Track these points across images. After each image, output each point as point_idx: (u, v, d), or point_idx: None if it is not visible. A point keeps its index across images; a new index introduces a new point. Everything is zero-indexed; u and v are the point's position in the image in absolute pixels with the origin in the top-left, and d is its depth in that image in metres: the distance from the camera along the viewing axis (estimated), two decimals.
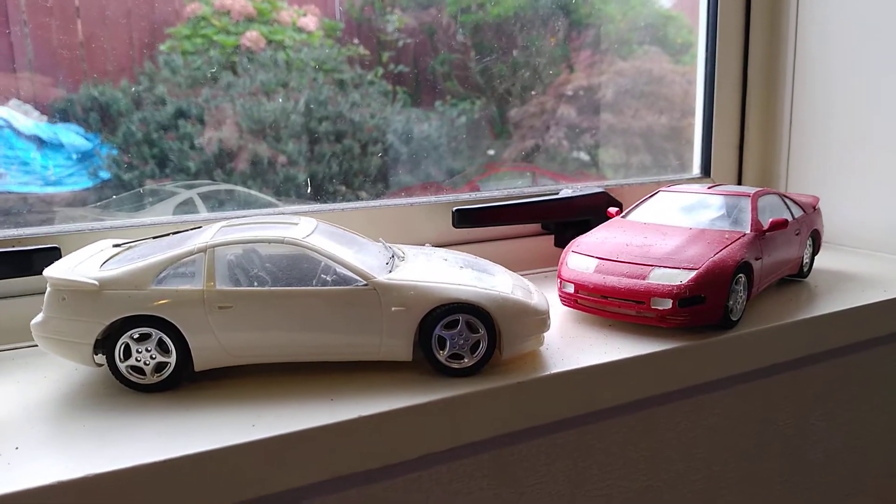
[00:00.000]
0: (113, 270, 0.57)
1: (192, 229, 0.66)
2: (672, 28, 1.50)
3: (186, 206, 0.91)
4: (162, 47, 0.94)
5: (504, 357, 0.59)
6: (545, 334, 0.62)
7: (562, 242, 0.99)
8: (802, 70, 1.12)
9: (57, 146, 0.89)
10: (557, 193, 0.99)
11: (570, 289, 0.72)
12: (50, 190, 0.89)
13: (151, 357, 0.56)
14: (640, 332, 0.69)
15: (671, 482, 0.74)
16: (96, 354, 0.57)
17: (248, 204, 0.99)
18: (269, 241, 0.58)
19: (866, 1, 1.01)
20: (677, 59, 1.44)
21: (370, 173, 1.08)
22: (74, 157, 0.90)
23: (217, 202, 0.96)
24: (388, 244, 0.68)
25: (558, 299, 0.75)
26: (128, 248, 0.64)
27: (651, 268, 0.69)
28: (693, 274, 0.67)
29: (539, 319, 0.60)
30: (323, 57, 1.06)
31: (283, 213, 0.84)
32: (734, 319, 0.71)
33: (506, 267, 0.70)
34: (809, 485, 0.86)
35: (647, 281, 0.68)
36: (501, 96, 1.21)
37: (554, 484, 0.66)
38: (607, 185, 1.07)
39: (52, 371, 0.61)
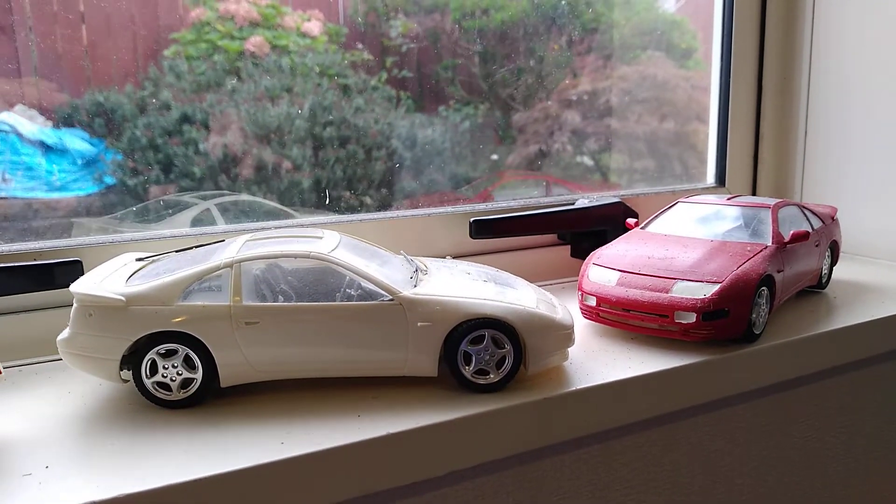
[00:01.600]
0: (139, 286, 0.57)
1: (214, 243, 0.66)
2: (676, 33, 1.50)
3: (204, 218, 0.91)
4: (166, 52, 0.94)
5: (529, 373, 0.59)
6: (570, 349, 0.62)
7: (578, 253, 0.99)
8: (817, 78, 1.12)
9: (62, 151, 0.89)
10: (573, 203, 0.99)
11: (593, 302, 0.72)
12: (55, 195, 0.89)
13: (178, 373, 0.56)
14: (662, 345, 0.69)
15: (694, 496, 0.73)
16: (123, 370, 0.57)
17: (265, 215, 0.99)
18: (296, 256, 0.58)
19: (883, 8, 1.01)
20: (682, 64, 1.44)
21: (374, 178, 1.08)
22: (79, 162, 0.90)
23: (234, 212, 0.96)
24: (409, 257, 0.68)
25: (579, 312, 0.75)
26: (152, 262, 0.64)
27: (674, 281, 0.69)
28: (717, 287, 0.67)
29: (564, 334, 0.60)
30: (327, 62, 1.06)
31: (304, 226, 0.84)
32: (757, 333, 0.70)
33: (523, 278, 0.70)
34: (830, 498, 0.85)
35: (670, 294, 0.68)
36: (505, 102, 1.22)
37: (577, 499, 0.66)
38: (623, 195, 1.07)
39: (77, 386, 0.61)
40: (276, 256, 0.59)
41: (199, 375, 0.56)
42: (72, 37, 0.86)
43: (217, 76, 0.98)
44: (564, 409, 0.59)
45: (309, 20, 1.07)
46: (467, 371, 0.58)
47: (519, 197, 1.18)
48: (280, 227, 0.83)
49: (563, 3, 1.20)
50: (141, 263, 0.64)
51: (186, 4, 0.99)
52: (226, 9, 1.01)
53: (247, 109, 0.98)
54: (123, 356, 0.56)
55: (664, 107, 1.38)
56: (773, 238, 0.75)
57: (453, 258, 0.74)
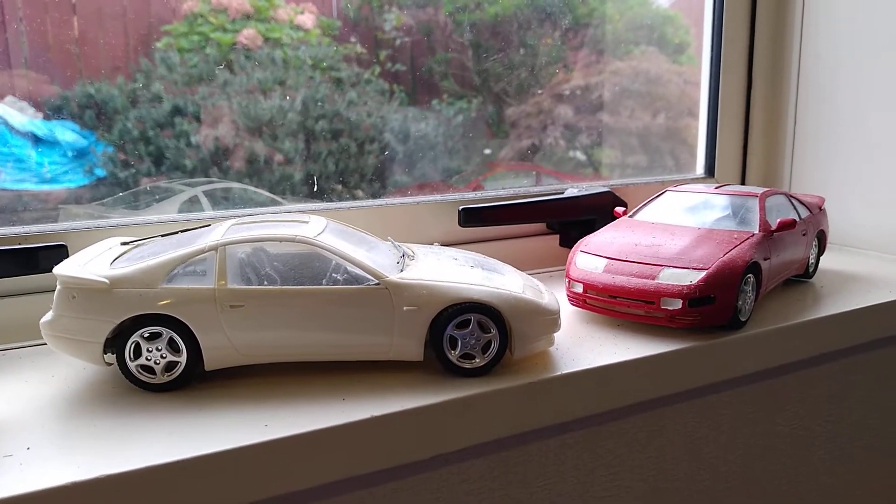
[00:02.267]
0: (123, 269, 0.56)
1: (200, 227, 0.66)
2: (670, 28, 1.50)
3: (192, 204, 0.91)
4: (158, 44, 0.94)
5: (515, 357, 0.59)
6: (556, 334, 0.62)
7: (567, 242, 0.99)
8: (807, 70, 1.12)
9: (52, 143, 0.88)
10: (563, 193, 0.99)
11: (579, 288, 0.72)
12: (45, 187, 0.89)
13: (162, 356, 0.56)
14: (648, 332, 0.69)
15: (679, 483, 0.74)
16: (106, 353, 0.56)
17: (253, 202, 0.98)
18: (281, 240, 0.58)
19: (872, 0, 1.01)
20: (674, 59, 1.44)
21: (367, 172, 1.08)
22: (70, 154, 0.89)
23: (222, 200, 0.95)
24: (397, 243, 0.68)
25: (566, 299, 0.75)
26: (136, 247, 0.63)
27: (661, 268, 0.69)
28: (703, 274, 0.67)
29: (550, 319, 0.60)
30: (320, 55, 1.06)
31: (291, 212, 0.84)
32: (743, 320, 0.71)
33: (512, 266, 0.70)
34: (815, 485, 0.86)
35: (656, 281, 0.68)
36: (498, 96, 1.22)
37: (563, 484, 0.66)
38: (612, 185, 1.07)
39: (61, 370, 0.61)
40: (261, 240, 0.58)
41: (183, 359, 0.56)
42: (63, 28, 0.86)
43: (209, 68, 0.98)
44: (550, 394, 0.59)
45: (302, 13, 1.06)
46: (453, 355, 0.58)
47: (509, 187, 1.18)
48: (267, 213, 0.83)
49: None
50: (126, 247, 0.63)
51: None
52: (218, 1, 1.01)
53: (239, 102, 0.98)
54: (107, 339, 0.55)
55: (657, 102, 1.38)
56: (760, 226, 0.76)
57: (441, 245, 0.74)
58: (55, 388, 0.57)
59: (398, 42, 1.13)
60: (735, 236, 0.73)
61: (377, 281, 0.57)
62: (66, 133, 0.89)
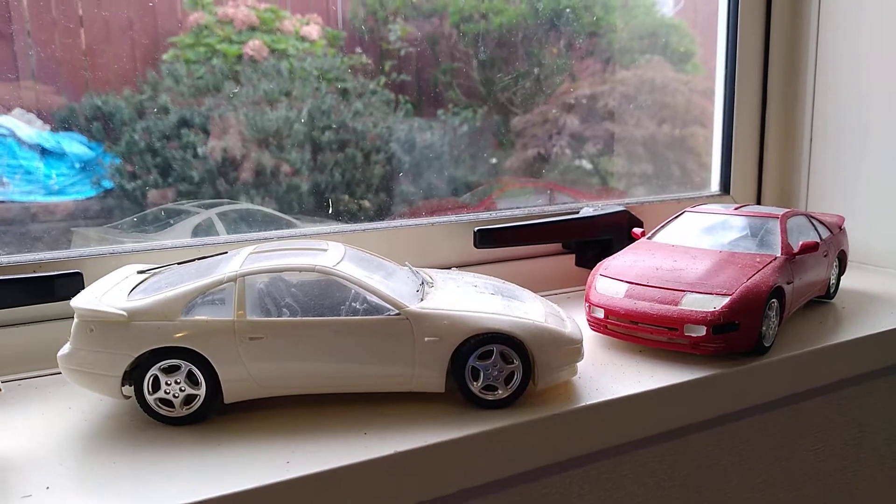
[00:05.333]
0: (141, 300, 0.56)
1: (217, 255, 0.65)
2: (675, 37, 1.49)
3: (205, 226, 0.90)
4: (165, 56, 0.94)
5: (539, 388, 0.58)
6: (578, 363, 0.61)
7: (583, 262, 0.98)
8: (823, 85, 1.11)
9: (60, 155, 0.89)
10: (578, 212, 0.98)
11: (600, 314, 0.71)
12: (53, 199, 0.89)
13: (181, 389, 0.55)
14: (671, 358, 0.68)
15: None
16: (124, 386, 0.55)
17: (267, 223, 0.98)
18: (301, 270, 0.57)
19: (891, 12, 1.00)
20: (680, 68, 1.43)
21: (373, 182, 1.08)
22: (77, 166, 0.89)
23: (235, 223, 0.95)
24: (414, 269, 0.67)
25: (586, 324, 0.74)
26: (154, 275, 0.63)
27: (683, 293, 0.68)
28: (727, 300, 0.66)
29: (574, 349, 0.59)
30: (326, 66, 1.06)
31: (307, 236, 0.83)
32: (767, 345, 0.70)
33: (527, 287, 0.69)
34: None
35: (679, 307, 0.67)
36: (504, 106, 1.21)
37: None
38: (627, 203, 1.06)
39: (77, 401, 0.60)
40: (280, 270, 0.58)
41: (202, 392, 0.55)
42: (70, 41, 0.86)
43: (216, 80, 0.98)
44: (574, 426, 0.58)
45: (308, 24, 1.07)
46: (475, 387, 0.57)
47: (522, 204, 1.17)
48: (283, 238, 0.82)
49: (562, 6, 1.20)
50: (143, 276, 0.63)
51: (185, 8, 0.99)
52: (224, 13, 1.01)
53: (245, 113, 0.98)
54: (125, 372, 0.55)
55: (663, 111, 1.38)
56: (782, 249, 0.75)
57: (458, 269, 0.73)
58: (72, 422, 0.57)
59: (403, 52, 1.13)
60: (758, 260, 0.72)
61: (397, 311, 0.56)
62: (74, 145, 0.89)
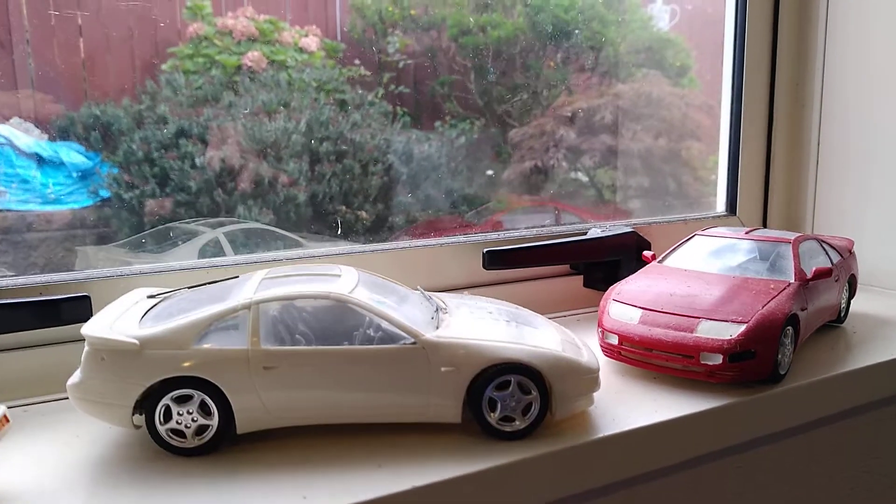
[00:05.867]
0: (153, 328, 0.55)
1: (228, 279, 0.64)
2: (671, 51, 1.50)
3: (212, 246, 0.89)
4: (164, 66, 0.94)
5: (556, 419, 0.57)
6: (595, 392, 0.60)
7: (591, 283, 0.97)
8: (830, 104, 1.11)
9: (57, 164, 0.88)
10: (586, 233, 0.98)
11: (614, 340, 0.70)
12: (50, 208, 0.88)
13: (193, 419, 0.54)
14: (685, 386, 0.67)
15: None
16: (135, 415, 0.54)
17: (274, 242, 0.97)
18: (316, 297, 0.57)
19: None
20: (676, 82, 1.44)
21: (370, 193, 1.08)
22: (75, 175, 0.89)
23: (243, 241, 0.94)
24: (427, 293, 0.66)
25: (599, 350, 0.73)
26: (164, 300, 0.62)
27: (698, 320, 0.67)
28: (742, 328, 0.65)
29: (591, 378, 0.59)
30: (324, 77, 1.07)
31: (317, 258, 0.82)
32: (782, 373, 0.69)
33: (535, 309, 0.68)
34: None
35: (695, 334, 0.66)
36: (501, 118, 1.21)
37: None
38: (634, 224, 1.06)
39: (86, 429, 0.59)
40: (295, 297, 0.57)
41: (214, 422, 0.54)
42: (69, 50, 0.86)
43: (214, 90, 0.99)
44: (592, 457, 0.57)
45: (307, 36, 1.08)
46: (492, 418, 0.56)
47: (529, 225, 1.16)
48: (292, 260, 0.81)
49: (559, 21, 1.21)
50: (153, 301, 0.62)
51: (185, 19, 1.00)
52: (224, 24, 1.02)
53: (244, 124, 0.98)
54: (136, 401, 0.54)
55: (659, 124, 1.38)
56: (795, 274, 0.74)
57: (468, 293, 0.73)
58: (81, 451, 0.56)
59: (402, 65, 1.14)
60: (772, 286, 0.72)
61: (413, 340, 0.56)
62: (72, 154, 0.89)
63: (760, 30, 1.13)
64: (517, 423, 0.56)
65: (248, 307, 0.55)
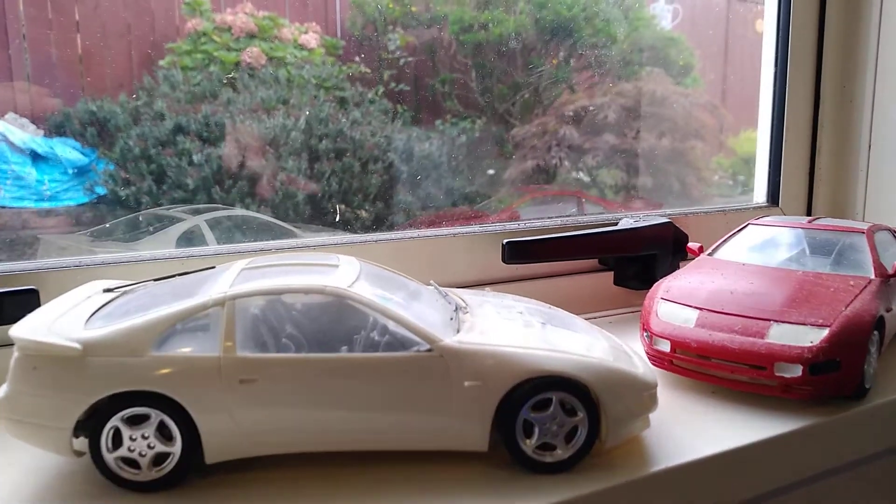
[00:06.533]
0: (101, 329, 0.43)
1: (202, 270, 0.53)
2: (674, 50, 1.47)
3: (192, 235, 0.79)
4: (162, 62, 0.93)
5: (607, 446, 0.46)
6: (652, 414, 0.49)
7: (622, 280, 0.86)
8: (884, 83, 1.00)
9: (53, 161, 0.86)
10: (616, 223, 0.87)
11: (665, 346, 0.59)
12: (45, 205, 0.86)
13: (149, 446, 0.42)
14: (752, 403, 0.56)
15: None
16: (77, 439, 0.43)
17: (261, 231, 0.88)
18: (307, 291, 0.45)
19: None
20: (679, 81, 1.42)
21: (370, 191, 1.05)
22: (70, 171, 0.87)
23: (228, 229, 0.85)
24: (442, 289, 0.55)
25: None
26: (122, 294, 0.51)
27: (769, 322, 0.56)
28: (825, 332, 0.54)
29: (649, 395, 0.47)
30: (324, 74, 1.05)
31: (311, 247, 0.71)
32: (867, 387, 0.58)
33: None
34: None
35: (766, 340, 0.55)
36: (502, 116, 1.21)
37: None
38: (669, 214, 0.95)
39: (21, 455, 0.48)
40: (280, 291, 0.46)
41: (176, 449, 0.43)
42: (66, 45, 0.84)
43: (213, 87, 0.97)
44: (651, 494, 0.45)
45: (306, 32, 1.06)
46: (528, 445, 0.44)
47: (547, 214, 1.06)
48: (283, 250, 0.70)
49: (562, 18, 1.18)
50: (109, 296, 0.50)
51: (183, 14, 0.99)
52: (223, 20, 1.00)
53: (242, 120, 0.95)
54: (77, 422, 0.42)
55: (662, 123, 1.35)
56: (875, 269, 0.63)
57: (491, 289, 0.61)
58: (14, 482, 0.45)
59: (402, 62, 1.13)
60: (851, 283, 0.60)
61: (429, 346, 0.44)
62: (67, 150, 0.87)
63: (805, 22, 1.02)
64: (559, 451, 0.45)
65: (221, 304, 0.44)
